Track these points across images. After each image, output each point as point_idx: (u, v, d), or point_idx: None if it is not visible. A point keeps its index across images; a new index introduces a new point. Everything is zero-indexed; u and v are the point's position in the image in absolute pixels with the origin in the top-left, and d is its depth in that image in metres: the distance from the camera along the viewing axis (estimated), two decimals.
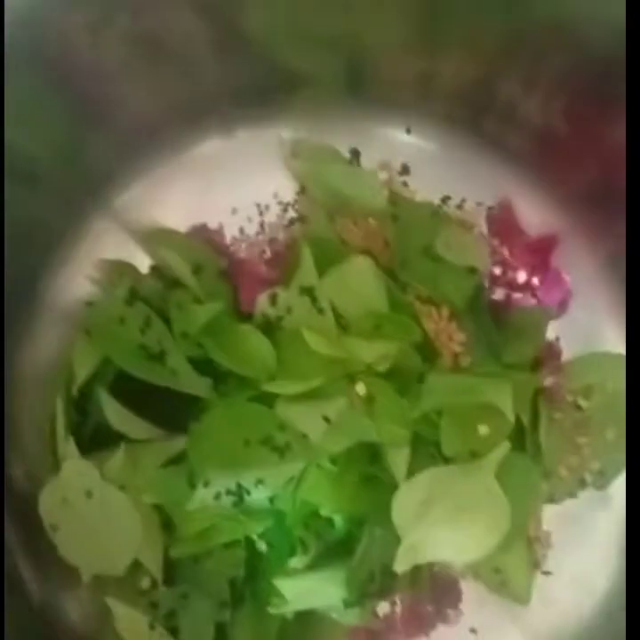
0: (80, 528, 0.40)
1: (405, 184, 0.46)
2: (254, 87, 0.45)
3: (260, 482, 0.38)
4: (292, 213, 0.46)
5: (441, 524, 0.38)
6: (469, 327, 0.42)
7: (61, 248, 0.45)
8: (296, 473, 0.38)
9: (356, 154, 0.46)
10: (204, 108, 0.45)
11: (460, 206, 0.46)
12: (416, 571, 0.40)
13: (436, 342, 0.41)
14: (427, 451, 0.40)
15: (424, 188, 0.46)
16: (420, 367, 0.40)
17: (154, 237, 0.45)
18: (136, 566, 0.40)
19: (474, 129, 0.46)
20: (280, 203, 0.46)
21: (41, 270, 0.44)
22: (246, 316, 0.42)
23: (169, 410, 0.40)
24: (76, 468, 0.40)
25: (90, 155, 0.44)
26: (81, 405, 0.42)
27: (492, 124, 0.45)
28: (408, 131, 0.46)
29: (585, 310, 0.46)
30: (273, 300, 0.41)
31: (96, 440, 0.41)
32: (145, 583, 0.41)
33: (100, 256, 0.45)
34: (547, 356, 0.45)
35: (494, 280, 0.45)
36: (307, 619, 0.41)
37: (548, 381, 0.43)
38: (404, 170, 0.46)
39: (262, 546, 0.40)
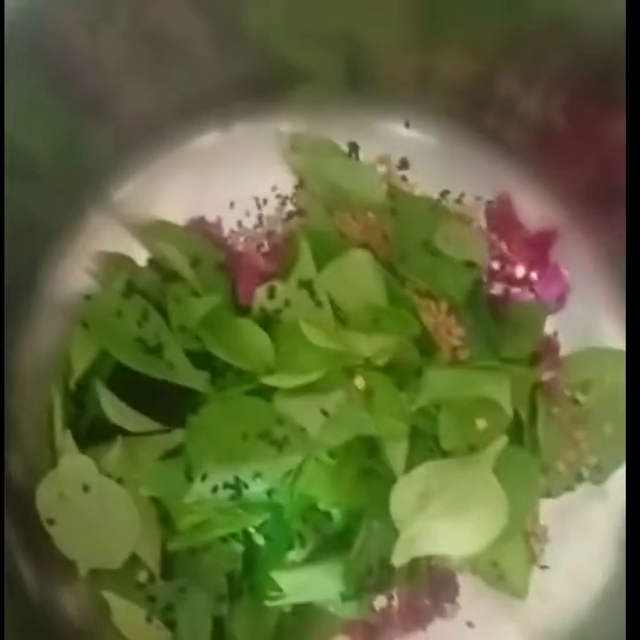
0: (77, 522, 0.40)
1: (404, 178, 0.46)
2: (253, 81, 0.45)
3: (257, 475, 0.38)
4: (290, 207, 0.46)
5: (439, 518, 0.38)
6: (468, 321, 0.42)
7: (59, 241, 0.45)
8: (294, 466, 0.38)
9: (354, 148, 0.46)
10: (202, 102, 0.45)
11: (458, 201, 0.46)
12: (413, 564, 0.40)
13: (434, 336, 0.41)
14: (425, 444, 0.40)
15: (423, 183, 0.46)
16: (418, 361, 0.40)
17: (152, 231, 0.44)
18: (133, 560, 0.40)
19: (473, 123, 0.46)
20: (278, 196, 0.46)
21: (39, 263, 0.44)
22: (244, 310, 0.42)
23: (166, 403, 0.40)
24: (73, 462, 0.40)
25: (88, 149, 0.44)
26: (78, 399, 0.42)
27: (492, 118, 0.45)
28: (407, 125, 0.46)
29: (583, 305, 0.46)
30: (271, 293, 0.41)
31: (93, 433, 0.41)
32: (142, 577, 0.41)
33: (97, 249, 0.45)
34: (545, 351, 0.45)
35: (493, 274, 0.45)
36: (304, 612, 0.41)
37: (546, 376, 0.43)
38: (403, 164, 0.46)
39: (260, 539, 0.40)
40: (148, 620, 0.40)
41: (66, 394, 0.41)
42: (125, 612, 0.40)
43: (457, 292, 0.42)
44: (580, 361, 0.44)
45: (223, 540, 0.40)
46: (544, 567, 0.44)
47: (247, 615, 0.40)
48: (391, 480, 0.38)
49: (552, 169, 0.45)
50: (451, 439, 0.40)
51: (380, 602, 0.43)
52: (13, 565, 0.41)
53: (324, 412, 0.38)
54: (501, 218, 0.46)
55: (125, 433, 0.40)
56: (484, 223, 0.46)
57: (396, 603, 0.43)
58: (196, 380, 0.40)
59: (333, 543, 0.40)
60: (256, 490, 0.39)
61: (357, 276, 0.41)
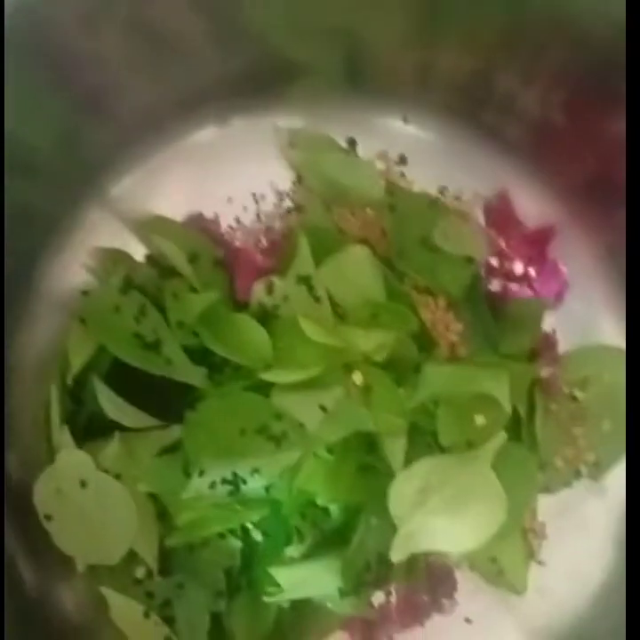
0: (75, 518, 0.40)
1: (403, 174, 0.46)
2: (251, 76, 0.45)
3: (255, 471, 0.38)
4: (288, 203, 0.46)
5: (437, 514, 0.38)
6: (466, 317, 0.42)
7: (57, 237, 0.45)
8: (292, 462, 0.38)
9: (353, 143, 0.46)
10: (200, 98, 0.45)
11: (457, 197, 0.46)
12: (412, 560, 0.40)
13: (432, 332, 0.41)
14: (423, 440, 0.40)
15: (421, 179, 0.46)
16: (416, 357, 0.40)
17: (149, 226, 0.44)
18: (131, 556, 0.40)
19: (472, 120, 0.46)
20: (276, 192, 0.46)
21: (36, 259, 0.44)
22: (242, 306, 0.42)
23: (164, 399, 0.40)
24: (70, 458, 0.40)
25: (86, 144, 0.44)
26: (76, 394, 0.42)
27: (491, 115, 0.45)
28: (406, 121, 0.46)
29: (582, 302, 0.46)
30: (269, 288, 0.41)
31: (91, 429, 0.41)
32: (140, 573, 0.41)
33: (95, 245, 0.45)
34: (543, 348, 0.45)
35: (491, 271, 0.45)
36: (302, 608, 0.41)
37: (545, 372, 0.43)
38: (402, 160, 0.46)
39: (258, 535, 0.40)
40: (146, 615, 0.40)
41: (63, 389, 0.41)
42: (123, 607, 0.40)
43: (455, 287, 0.42)
44: (579, 358, 0.44)
45: (221, 535, 0.40)
46: (542, 563, 0.44)
47: (245, 611, 0.40)
48: (389, 476, 0.38)
49: (551, 165, 0.45)
50: (449, 435, 0.40)
51: (378, 598, 0.43)
52: (11, 561, 0.41)
53: (323, 408, 0.38)
54: (500, 214, 0.46)
55: (123, 429, 0.40)
56: (482, 219, 0.46)
57: (394, 599, 0.43)
58: (193, 375, 0.40)
59: (331, 539, 0.40)
60: (254, 485, 0.39)
61: (356, 271, 0.41)
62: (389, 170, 0.46)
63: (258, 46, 0.43)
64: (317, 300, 0.40)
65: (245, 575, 0.41)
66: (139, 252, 0.45)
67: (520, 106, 0.44)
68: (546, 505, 0.44)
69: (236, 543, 0.40)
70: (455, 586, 0.44)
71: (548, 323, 0.45)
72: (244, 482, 0.38)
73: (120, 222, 0.45)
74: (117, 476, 0.40)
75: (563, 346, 0.45)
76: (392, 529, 0.38)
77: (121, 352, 0.40)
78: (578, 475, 0.43)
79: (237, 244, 0.45)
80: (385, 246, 0.43)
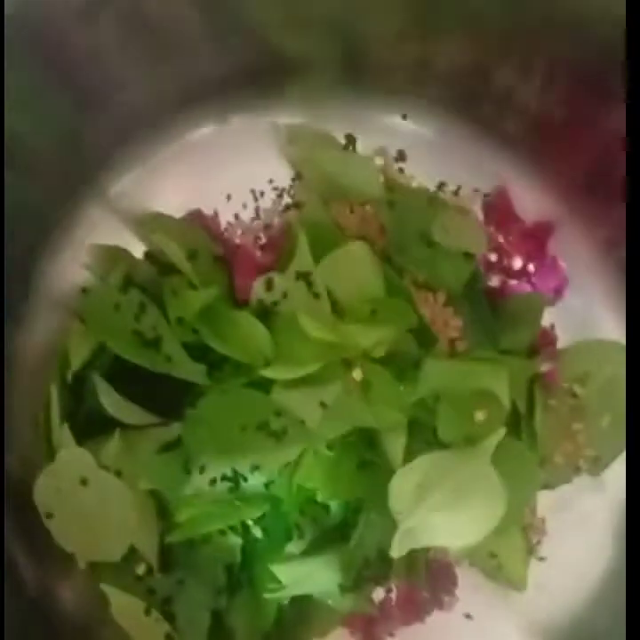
0: (76, 515, 0.40)
1: (401, 170, 0.46)
2: (250, 73, 0.45)
3: (255, 467, 0.38)
4: (287, 199, 0.46)
5: (437, 510, 0.38)
6: (465, 313, 0.42)
7: (56, 234, 0.45)
8: (292, 458, 0.38)
9: (351, 140, 0.46)
10: (199, 95, 0.45)
11: (456, 193, 0.46)
12: (412, 556, 0.40)
13: (432, 328, 0.41)
14: (423, 436, 0.40)
15: (420, 175, 0.46)
16: (416, 352, 0.40)
17: (149, 223, 0.44)
18: (132, 553, 0.40)
19: (470, 115, 0.46)
20: (275, 189, 0.46)
21: (36, 257, 0.44)
22: (241, 302, 0.42)
23: (164, 396, 0.40)
24: (71, 456, 0.40)
25: (85, 141, 0.44)
26: (76, 392, 0.42)
27: (489, 110, 0.45)
28: (404, 117, 0.46)
29: (581, 297, 0.46)
30: (269, 285, 0.41)
31: (91, 427, 0.41)
32: (141, 570, 0.41)
33: (94, 242, 0.44)
34: (542, 343, 0.45)
35: (490, 267, 0.45)
36: (303, 605, 0.41)
37: (544, 368, 0.43)
38: (400, 156, 0.46)
39: (258, 532, 0.40)
40: (147, 612, 0.40)
41: (63, 387, 0.41)
42: (124, 604, 0.40)
43: (454, 283, 0.42)
44: (578, 353, 0.44)
45: (221, 532, 0.40)
46: (542, 559, 0.44)
47: (246, 608, 0.40)
48: (389, 472, 0.38)
49: (549, 161, 0.45)
50: (449, 431, 0.40)
51: (378, 594, 0.43)
52: (12, 560, 0.41)
53: (322, 404, 0.38)
54: (499, 210, 0.46)
55: (123, 426, 0.40)
56: (481, 215, 0.46)
57: (394, 595, 0.44)
58: (193, 372, 0.40)
59: (331, 535, 0.40)
60: (254, 482, 0.39)
61: (355, 268, 0.41)
62: (388, 166, 0.46)
63: (256, 43, 0.43)
64: (317, 296, 0.40)
65: (246, 572, 0.41)
66: (138, 249, 0.45)
67: (519, 101, 0.44)
68: (545, 501, 0.44)
69: (237, 540, 0.40)
70: (455, 582, 0.44)
71: (548, 318, 0.45)
72: (245, 479, 0.39)
73: (119, 220, 0.45)
74: (118, 474, 0.40)
75: (562, 341, 0.45)
76: (392, 525, 0.38)
77: (121, 349, 0.40)
78: (577, 470, 0.43)
79: (237, 240, 0.45)
80: (384, 242, 0.43)
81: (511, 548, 0.42)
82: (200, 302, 0.40)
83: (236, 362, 0.40)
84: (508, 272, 0.45)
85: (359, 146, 0.46)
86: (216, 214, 0.46)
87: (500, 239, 0.45)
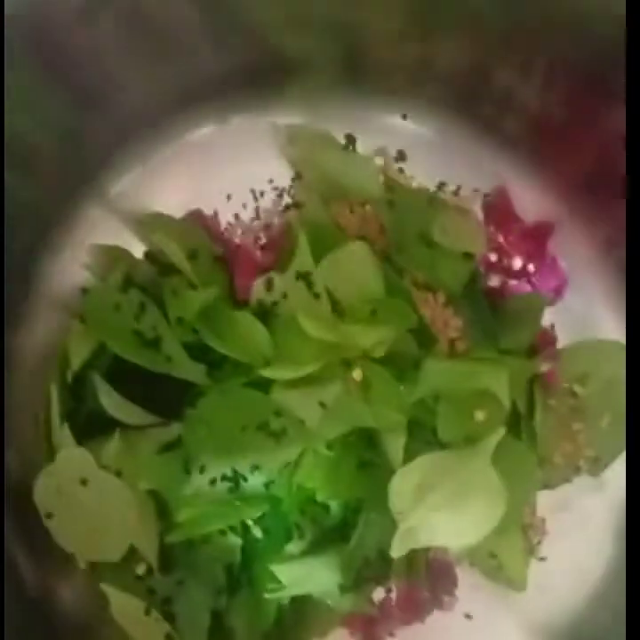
0: (76, 515, 0.40)
1: (401, 170, 0.46)
2: (250, 73, 0.45)
3: (255, 467, 0.38)
4: (287, 199, 0.46)
5: (437, 510, 0.38)
6: (465, 313, 0.42)
7: (56, 235, 0.45)
8: (292, 458, 0.38)
9: (351, 140, 0.46)
10: (199, 95, 0.45)
11: (456, 193, 0.46)
12: (412, 556, 0.40)
13: (432, 328, 0.41)
14: (423, 436, 0.40)
15: (420, 175, 0.46)
16: (416, 353, 0.40)
17: (149, 223, 0.44)
18: (132, 553, 0.40)
19: (471, 115, 0.46)
20: (275, 189, 0.46)
21: (36, 257, 0.44)
22: (241, 302, 0.42)
23: (164, 396, 0.40)
24: (71, 456, 0.40)
25: (85, 141, 0.44)
26: (76, 392, 0.41)
27: (489, 110, 0.45)
28: (404, 117, 0.46)
29: (581, 297, 0.46)
30: (269, 285, 0.41)
31: (91, 427, 0.41)
32: (141, 570, 0.41)
33: (94, 242, 0.44)
34: (542, 343, 0.45)
35: (490, 267, 0.45)
36: (303, 605, 0.41)
37: (544, 368, 0.43)
38: (401, 156, 0.46)
39: (258, 532, 0.40)
40: (147, 612, 0.40)
41: (63, 387, 0.41)
42: (124, 604, 0.40)
43: (454, 283, 0.42)
44: (578, 353, 0.44)
45: (221, 532, 0.40)
46: (542, 559, 0.44)
47: (245, 608, 0.40)
48: (389, 472, 0.38)
49: (549, 161, 0.45)
50: (449, 431, 0.40)
51: (378, 594, 0.43)
52: (11, 560, 0.41)
53: (322, 404, 0.38)
54: (499, 210, 0.46)
55: (123, 426, 0.40)
56: (481, 215, 0.46)
57: (394, 595, 0.43)
58: (193, 372, 0.40)
59: (331, 535, 0.40)
60: (254, 482, 0.39)
61: (355, 268, 0.41)
62: (388, 166, 0.46)
63: (256, 43, 0.43)
64: (317, 296, 0.40)
65: (245, 572, 0.41)
66: (138, 249, 0.45)
67: (519, 101, 0.44)
68: (545, 501, 0.44)
69: (237, 540, 0.40)
70: (455, 582, 0.44)
71: (547, 318, 0.45)
72: (244, 479, 0.39)
73: (119, 220, 0.45)
74: (118, 474, 0.40)
75: (562, 341, 0.45)
76: (392, 525, 0.38)
77: (121, 349, 0.40)
78: (577, 470, 0.43)
79: (237, 241, 0.45)
80: (384, 242, 0.43)
81: (511, 548, 0.42)
82: (200, 302, 0.40)
83: (236, 362, 0.40)
84: (508, 272, 0.45)
85: (359, 146, 0.46)
86: (216, 214, 0.46)
87: (500, 239, 0.45)
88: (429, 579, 0.43)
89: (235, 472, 0.38)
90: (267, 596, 0.40)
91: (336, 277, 0.41)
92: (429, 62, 0.44)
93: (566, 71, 0.41)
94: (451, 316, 0.42)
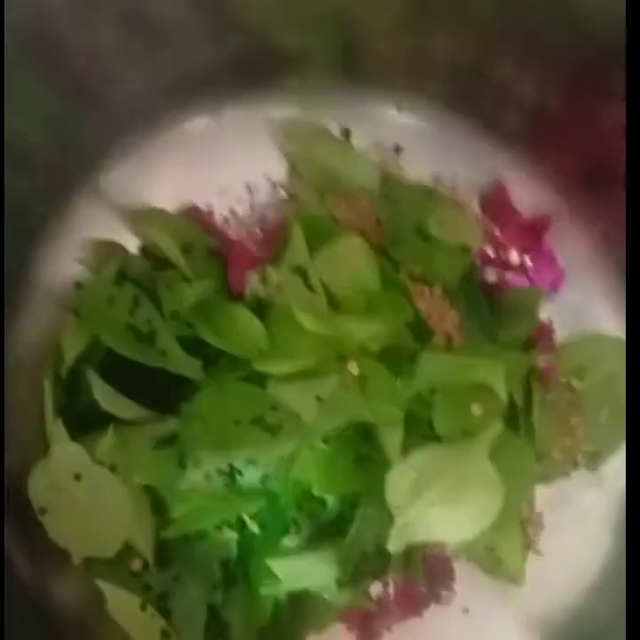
0: (70, 510, 0.40)
1: (398, 163, 0.46)
2: (244, 66, 0.44)
3: (251, 462, 0.38)
4: (282, 193, 0.46)
5: (434, 504, 0.38)
6: (462, 306, 0.42)
7: (50, 229, 0.44)
8: (288, 452, 0.38)
9: (347, 133, 0.46)
10: (193, 88, 0.45)
11: (452, 186, 0.46)
12: (409, 551, 0.40)
13: (428, 321, 0.41)
14: (419, 430, 0.39)
15: (416, 168, 0.46)
16: (412, 346, 0.40)
17: (143, 217, 0.44)
18: (127, 548, 0.40)
19: (467, 108, 0.45)
20: (270, 182, 0.46)
21: (29, 251, 0.44)
22: (236, 296, 0.42)
23: (159, 390, 0.40)
24: (65, 451, 0.40)
25: (79, 135, 0.43)
26: (70, 387, 0.41)
27: (486, 103, 0.45)
28: (400, 109, 0.46)
29: (578, 291, 0.46)
30: (263, 278, 0.41)
31: (85, 421, 0.41)
32: (136, 565, 0.40)
33: (88, 237, 0.44)
34: (539, 337, 0.45)
35: (487, 260, 0.45)
36: (300, 600, 0.41)
37: (542, 362, 0.43)
38: (397, 149, 0.46)
39: (254, 527, 0.40)
40: (143, 608, 0.40)
41: (57, 382, 0.41)
42: (120, 600, 0.40)
43: (451, 276, 0.42)
44: (575, 347, 0.44)
45: (217, 527, 0.40)
46: (540, 553, 0.44)
47: (242, 603, 0.40)
48: (386, 466, 0.38)
49: (546, 154, 0.45)
50: (445, 425, 0.39)
51: (375, 589, 0.43)
52: (6, 555, 0.41)
53: (318, 398, 0.38)
54: (495, 203, 0.46)
55: (118, 421, 0.40)
56: (477, 208, 0.46)
57: (391, 589, 0.43)
58: (188, 367, 0.40)
59: (328, 530, 0.40)
60: (250, 477, 0.39)
61: (350, 261, 0.41)
62: (384, 159, 0.46)
63: (250, 35, 0.43)
64: (312, 289, 0.40)
65: (242, 567, 0.40)
66: (132, 243, 0.45)
67: (515, 94, 0.44)
68: (543, 495, 0.44)
69: (233, 535, 0.40)
70: (453, 576, 0.44)
71: (545, 312, 0.45)
72: (240, 473, 0.38)
73: (113, 214, 0.45)
74: (112, 469, 0.39)
75: (559, 335, 0.45)
76: (389, 519, 0.38)
77: (115, 344, 0.40)
78: (575, 465, 0.43)
79: (231, 234, 0.45)
80: (380, 235, 0.43)
81: (509, 543, 0.42)
82: (195, 296, 0.40)
83: (232, 356, 0.40)
84: (505, 265, 0.45)
85: (355, 139, 0.46)
86: (210, 208, 0.45)
87: (497, 232, 0.45)
88: (427, 573, 0.43)
89: (230, 467, 0.38)
90: (263, 590, 0.40)
91: (332, 271, 0.40)
92: (425, 55, 0.44)
93: (565, 66, 0.41)
94: (447, 309, 0.42)
